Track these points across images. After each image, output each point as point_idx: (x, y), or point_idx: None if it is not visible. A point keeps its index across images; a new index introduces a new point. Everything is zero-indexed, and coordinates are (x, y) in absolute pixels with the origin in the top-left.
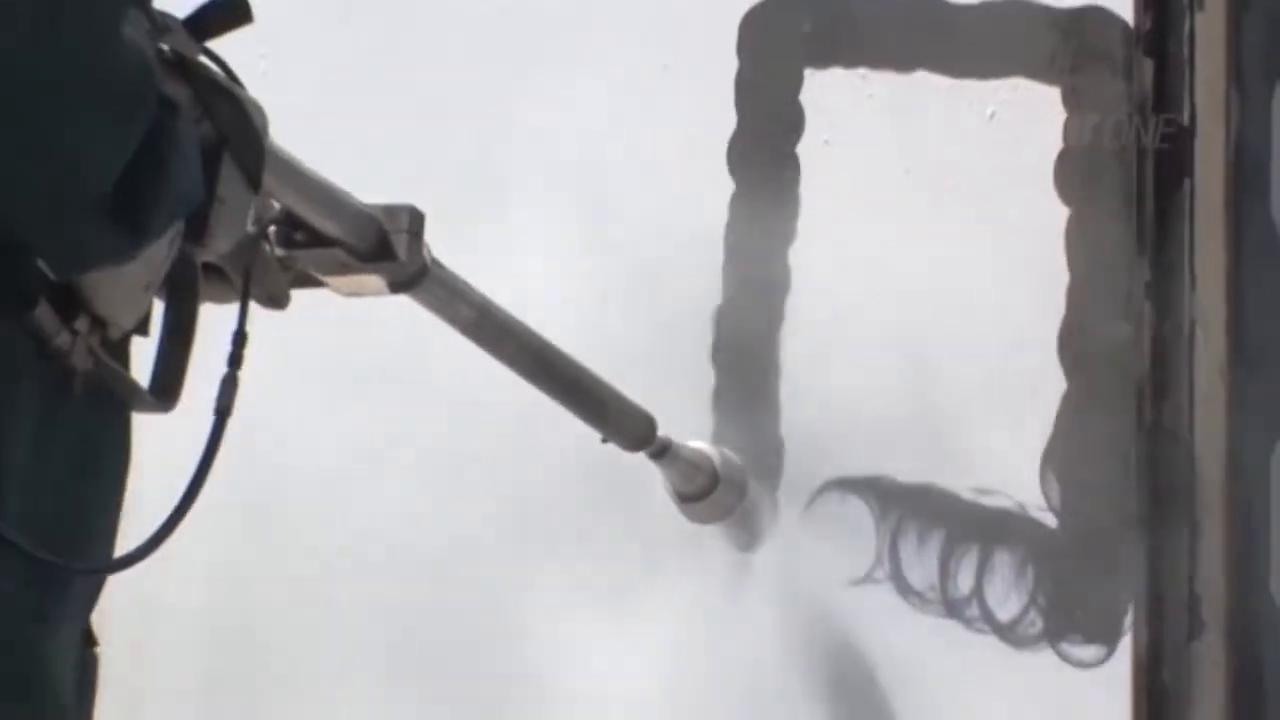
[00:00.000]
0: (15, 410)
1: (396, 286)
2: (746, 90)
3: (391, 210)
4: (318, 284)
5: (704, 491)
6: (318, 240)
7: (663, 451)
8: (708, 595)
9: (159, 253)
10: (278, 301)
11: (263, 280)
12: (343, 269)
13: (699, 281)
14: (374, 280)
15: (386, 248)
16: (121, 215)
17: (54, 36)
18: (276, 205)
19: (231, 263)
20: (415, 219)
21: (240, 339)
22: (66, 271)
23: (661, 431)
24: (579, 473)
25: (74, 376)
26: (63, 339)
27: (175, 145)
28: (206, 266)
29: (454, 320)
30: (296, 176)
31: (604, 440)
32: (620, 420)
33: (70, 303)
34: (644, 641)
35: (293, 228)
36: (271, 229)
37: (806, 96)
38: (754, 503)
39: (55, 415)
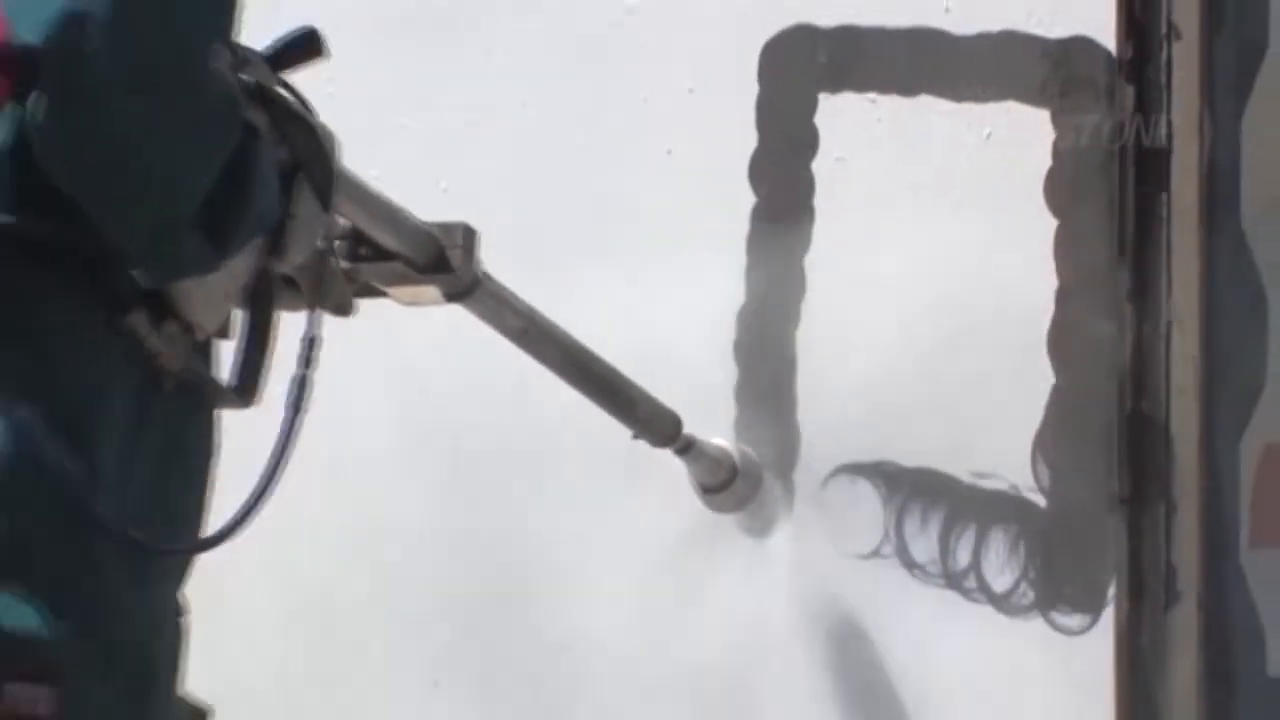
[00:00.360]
0: (111, 407)
1: (451, 297)
2: (766, 112)
3: (447, 227)
4: (380, 294)
5: (724, 484)
6: (380, 254)
7: (687, 447)
8: (730, 571)
9: (240, 264)
10: (344, 310)
11: (331, 290)
12: (402, 280)
13: (722, 284)
14: (431, 291)
15: (443, 261)
16: (207, 230)
17: (152, 71)
18: (344, 222)
19: (303, 274)
20: (468, 235)
21: (311, 343)
22: (158, 281)
23: (687, 426)
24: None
25: (164, 376)
26: (154, 342)
27: (256, 168)
28: (281, 277)
29: (502, 328)
30: (362, 196)
31: (634, 436)
32: (649, 418)
33: (161, 309)
34: (673, 609)
35: (358, 243)
36: (339, 244)
37: (821, 118)
38: (768, 494)
39: (147, 411)
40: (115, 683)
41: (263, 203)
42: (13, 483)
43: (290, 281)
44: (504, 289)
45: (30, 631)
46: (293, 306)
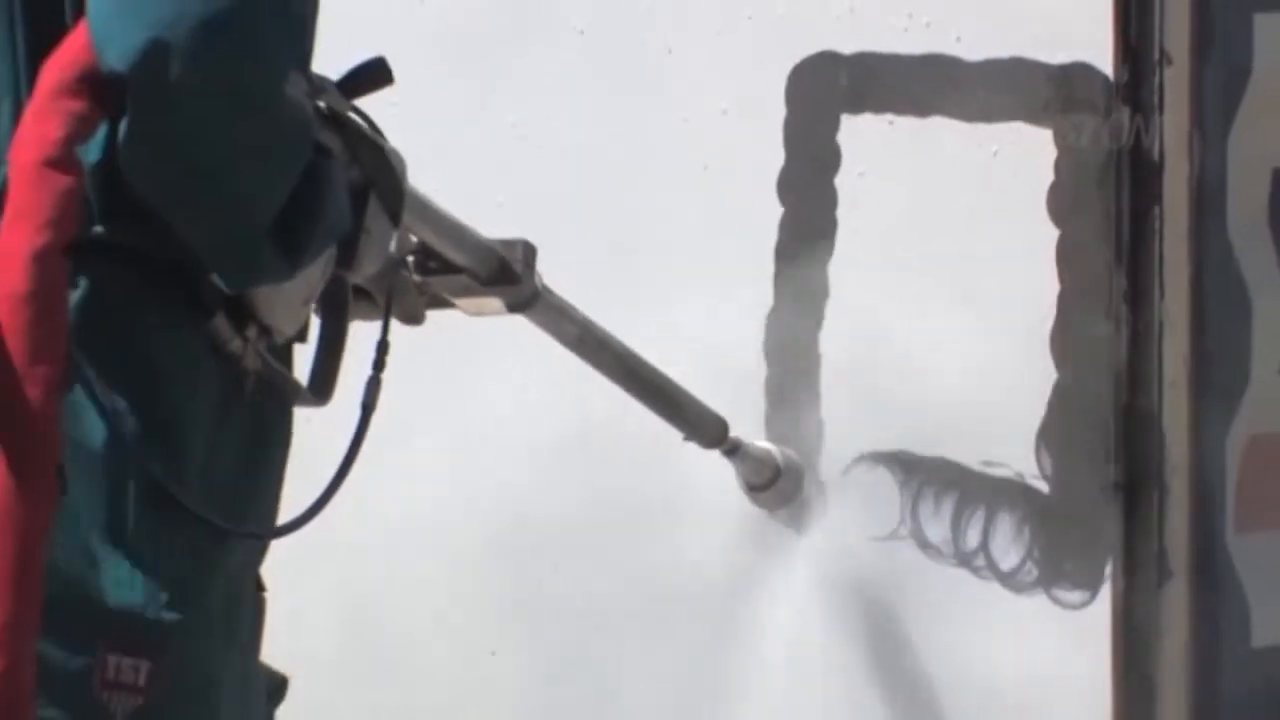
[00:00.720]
0: (197, 403)
1: (513, 307)
2: (793, 131)
3: (509, 243)
4: (448, 305)
5: (769, 483)
6: (447, 268)
7: (734, 449)
8: (765, 551)
9: (315, 274)
10: (415, 319)
11: (402, 301)
12: (468, 292)
13: (753, 288)
14: (494, 302)
15: (505, 274)
16: (282, 242)
17: (229, 97)
18: (414, 238)
19: (376, 285)
20: (529, 250)
21: (383, 348)
22: (237, 287)
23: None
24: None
25: (245, 375)
26: (236, 344)
27: (328, 186)
28: (355, 289)
29: (560, 336)
30: (430, 214)
31: (685, 439)
32: (698, 422)
33: (242, 314)
34: (714, 583)
35: (427, 257)
36: (409, 258)
37: (842, 137)
38: (808, 492)
39: (229, 408)
40: (204, 653)
41: (333, 218)
42: (109, 470)
43: (365, 292)
44: (562, 300)
45: (126, 606)
46: (367, 316)
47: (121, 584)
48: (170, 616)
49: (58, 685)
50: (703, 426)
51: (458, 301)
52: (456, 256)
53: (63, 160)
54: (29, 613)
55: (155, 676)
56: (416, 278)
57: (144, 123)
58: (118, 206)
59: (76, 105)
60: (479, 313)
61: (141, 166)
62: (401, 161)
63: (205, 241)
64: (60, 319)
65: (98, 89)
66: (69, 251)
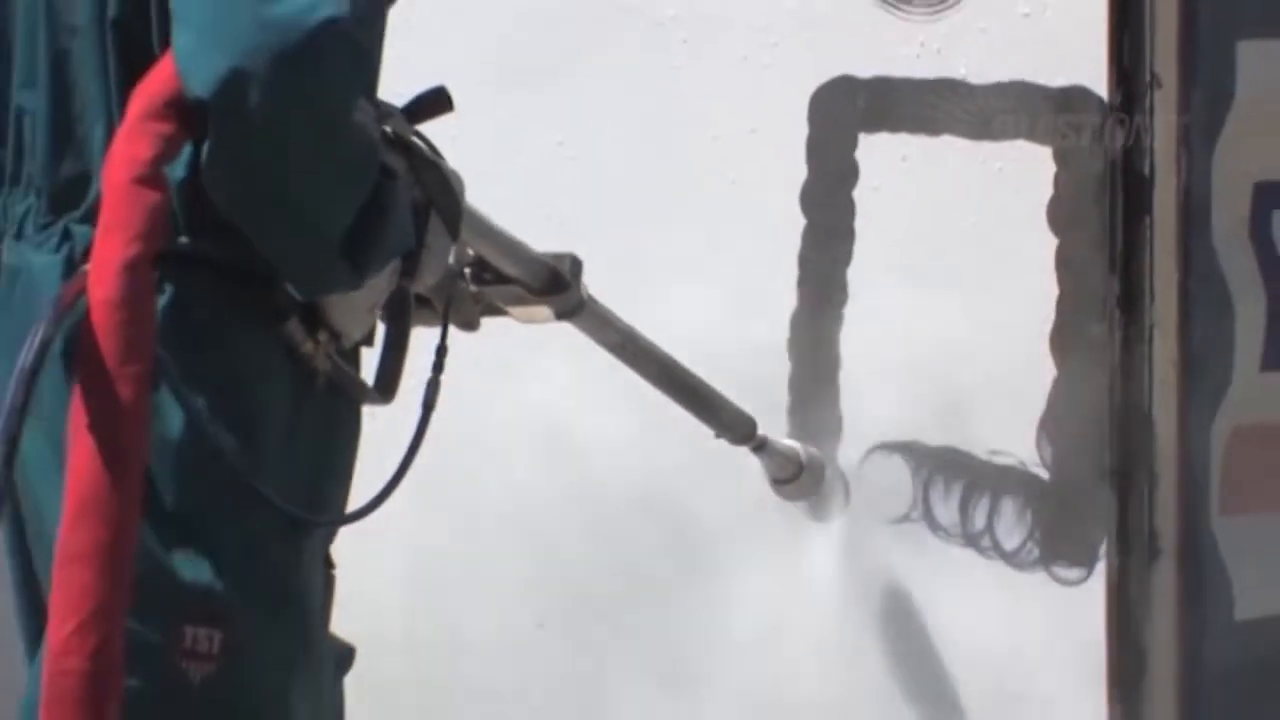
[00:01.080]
0: (272, 401)
1: (562, 315)
2: (815, 149)
3: (557, 256)
4: (502, 313)
5: (793, 477)
6: (501, 279)
7: (762, 445)
8: (796, 541)
9: (380, 284)
10: (471, 326)
11: (459, 309)
12: (520, 301)
13: (778, 293)
14: (544, 310)
15: (554, 284)
16: (349, 254)
17: (302, 123)
18: (471, 251)
19: (436, 295)
20: (575, 263)
21: (442, 352)
22: (308, 295)
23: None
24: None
25: (316, 376)
26: (308, 347)
27: (392, 204)
28: (416, 297)
29: (604, 342)
30: (485, 229)
31: (716, 436)
32: (729, 421)
33: (314, 319)
34: (745, 561)
35: (482, 269)
36: (466, 270)
37: (860, 154)
38: (830, 486)
39: (302, 405)
40: (274, 625)
41: (397, 235)
42: (187, 461)
43: (425, 301)
44: (605, 309)
45: (203, 584)
46: (427, 322)
47: (198, 564)
48: (241, 593)
49: (140, 656)
50: (733, 425)
51: (511, 310)
52: (509, 268)
53: (151, 178)
54: (120, 594)
55: (228, 646)
56: (473, 288)
57: (224, 145)
58: (201, 220)
59: (164, 128)
60: (530, 320)
61: (222, 185)
62: (460, 181)
63: (279, 254)
64: (148, 323)
65: (183, 113)
66: (157, 261)
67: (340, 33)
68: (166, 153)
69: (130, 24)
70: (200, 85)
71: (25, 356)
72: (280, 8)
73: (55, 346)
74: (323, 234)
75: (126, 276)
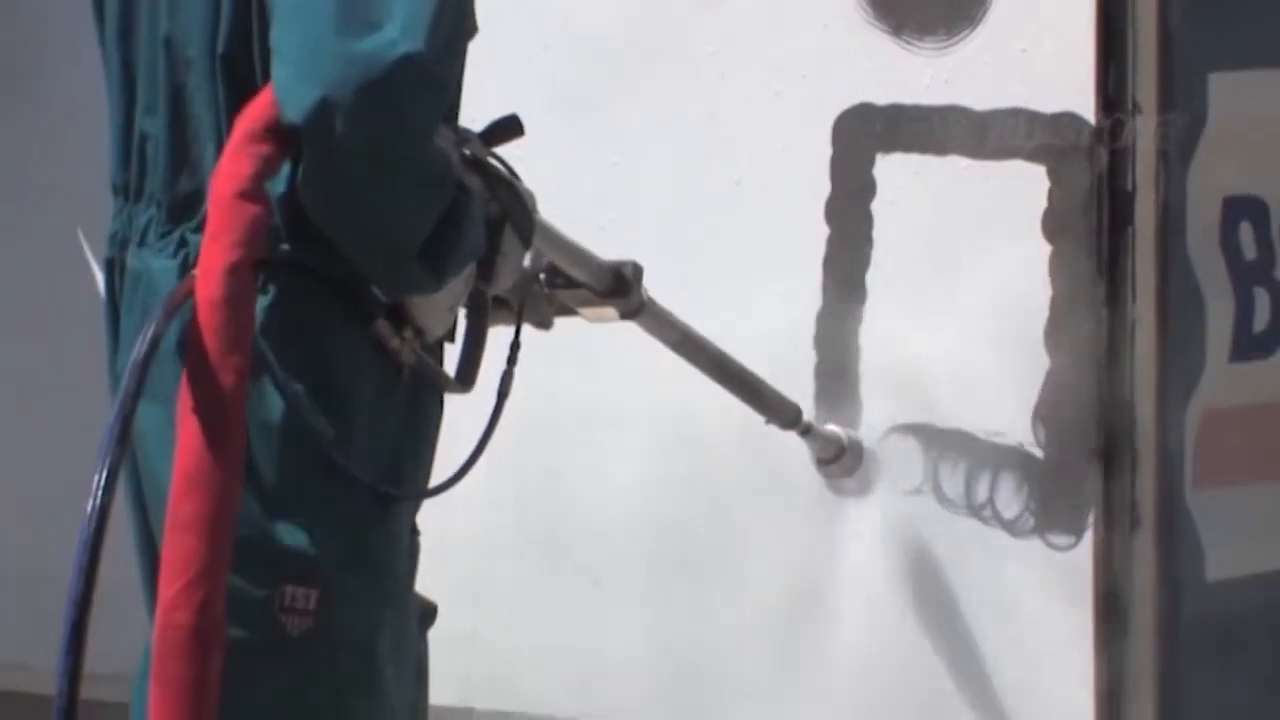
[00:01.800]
0: (363, 391)
1: (625, 315)
2: (838, 166)
3: (621, 263)
4: (573, 313)
5: (835, 457)
6: (570, 283)
7: (807, 430)
8: (822, 506)
9: (458, 287)
10: (545, 325)
11: (535, 309)
12: (588, 303)
13: (806, 294)
14: (610, 311)
15: (619, 287)
16: (428, 261)
17: (384, 147)
18: (544, 259)
19: (514, 296)
20: (637, 269)
21: (515, 347)
22: (391, 297)
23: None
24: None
25: (402, 368)
26: (394, 342)
27: (467, 218)
28: (495, 299)
29: (664, 339)
30: (556, 239)
31: (766, 422)
32: (776, 408)
33: (399, 318)
34: (779, 525)
35: (554, 274)
36: (541, 275)
37: (878, 171)
38: (868, 467)
39: (389, 394)
40: (361, 585)
41: (470, 244)
42: (287, 441)
43: (504, 302)
44: (664, 309)
45: (301, 549)
46: (506, 322)
47: (297, 531)
48: (335, 556)
49: (246, 610)
50: (781, 412)
51: (581, 311)
52: (578, 273)
53: (252, 193)
54: (221, 557)
55: (322, 603)
56: (547, 291)
57: (315, 166)
58: (300, 230)
59: (263, 149)
60: (598, 319)
61: (314, 200)
62: (532, 197)
63: (365, 260)
64: (248, 320)
65: (280, 136)
66: (259, 266)
67: (417, 67)
68: (265, 171)
69: (237, 58)
70: (294, 112)
71: (139, 349)
72: (364, 44)
73: (171, 339)
74: (402, 243)
75: (229, 279)
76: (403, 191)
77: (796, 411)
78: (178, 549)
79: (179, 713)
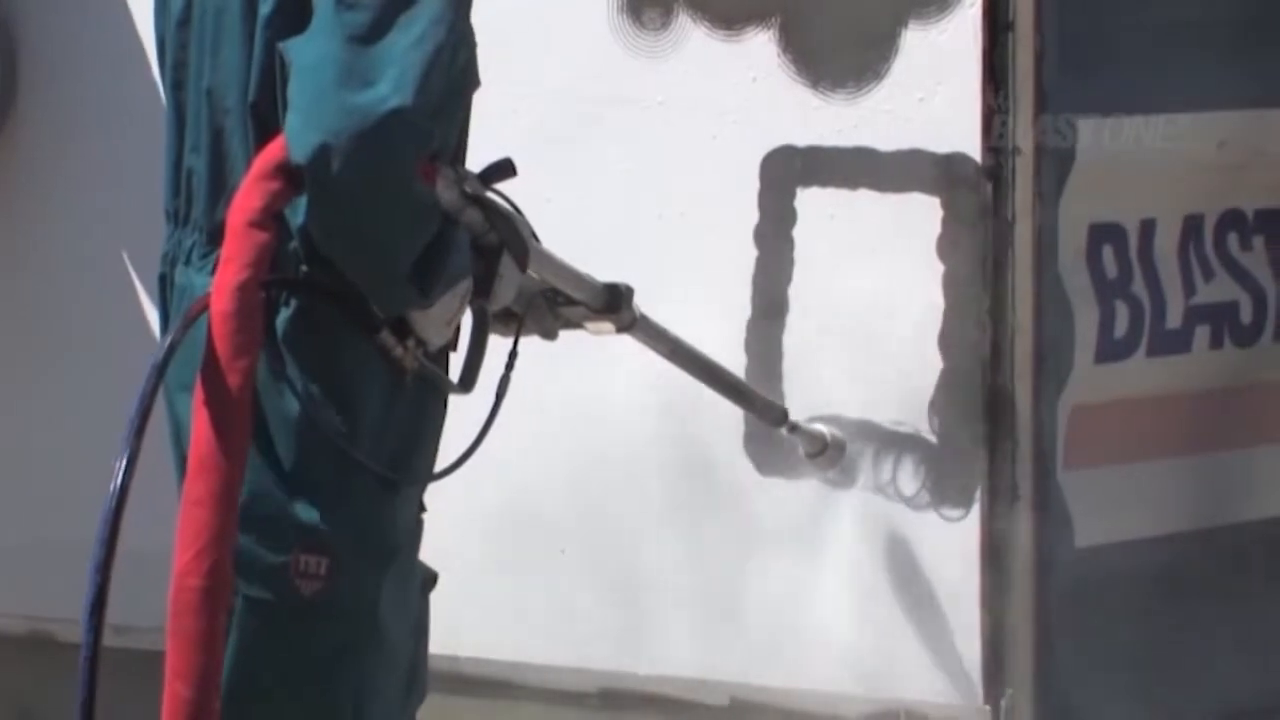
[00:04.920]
0: (371, 391)
1: (621, 329)
2: (764, 199)
3: (613, 285)
4: (577, 326)
5: (820, 451)
6: (570, 301)
7: (794, 428)
8: (749, 483)
9: (453, 304)
10: (550, 336)
11: (541, 322)
12: (586, 318)
13: (736, 306)
14: (607, 325)
15: (612, 304)
16: (416, 282)
17: (374, 185)
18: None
19: (523, 310)
20: (628, 289)
21: (513, 355)
22: (387, 313)
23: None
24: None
25: (405, 372)
26: (398, 351)
27: (452, 244)
28: (508, 313)
29: (658, 350)
30: (554, 264)
31: (757, 420)
32: (764, 409)
33: (403, 329)
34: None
35: (556, 293)
36: (548, 292)
37: (798, 203)
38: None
39: (394, 395)
40: (366, 555)
41: (454, 267)
42: (304, 433)
43: (513, 315)
44: (656, 323)
45: (314, 523)
46: (508, 333)
47: (311, 508)
48: (343, 530)
49: (264, 574)
50: (769, 413)
51: (584, 325)
52: (574, 293)
53: (261, 222)
54: (229, 526)
55: (332, 570)
56: (552, 308)
57: (316, 200)
58: (316, 254)
59: (272, 185)
60: (599, 333)
61: (316, 228)
62: (528, 226)
63: (360, 280)
64: (255, 330)
65: (289, 174)
66: (273, 284)
67: (403, 119)
68: (273, 204)
69: (264, 107)
70: (299, 154)
71: (157, 353)
72: (361, 98)
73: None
74: (391, 265)
75: (238, 295)
76: (390, 222)
77: (783, 412)
78: (190, 522)
79: (190, 660)
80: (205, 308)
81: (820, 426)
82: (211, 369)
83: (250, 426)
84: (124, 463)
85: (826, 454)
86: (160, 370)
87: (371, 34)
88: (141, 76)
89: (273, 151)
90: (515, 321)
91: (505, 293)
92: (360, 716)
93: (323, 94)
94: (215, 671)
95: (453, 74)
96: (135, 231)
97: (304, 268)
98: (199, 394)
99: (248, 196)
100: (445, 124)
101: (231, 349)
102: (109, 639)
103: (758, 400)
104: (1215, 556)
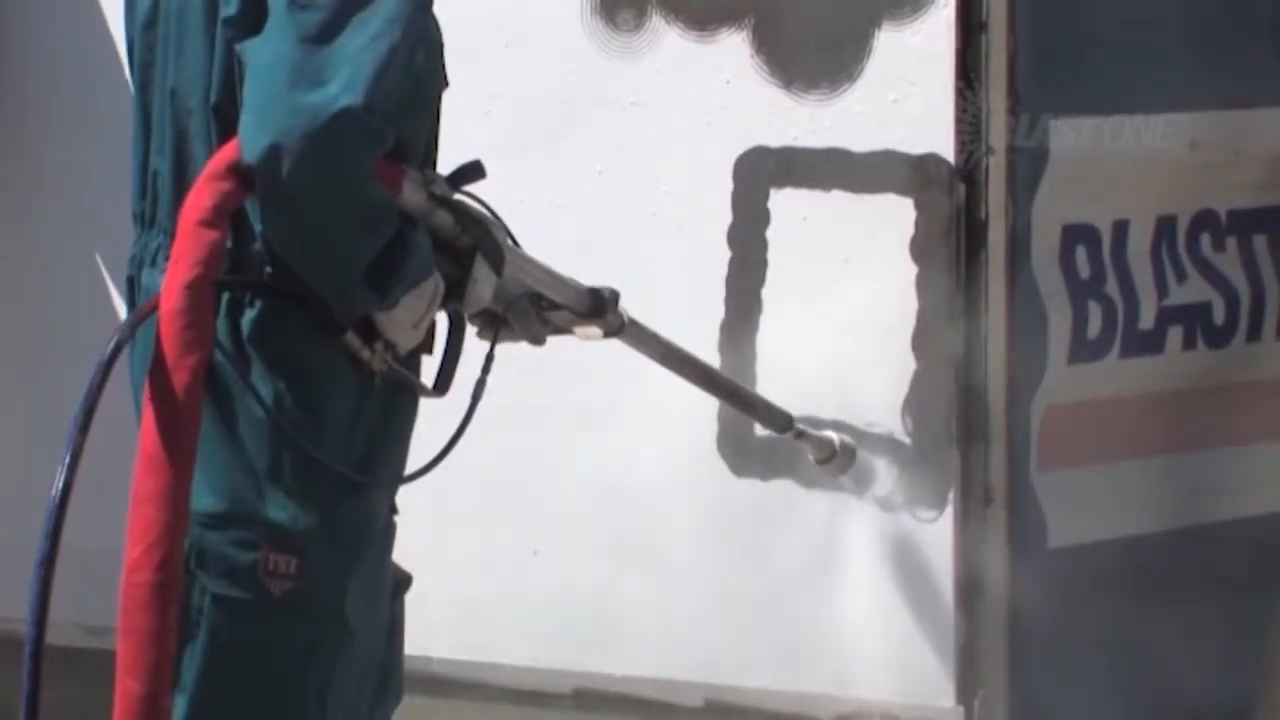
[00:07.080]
0: (337, 394)
1: (609, 334)
2: (738, 200)
3: (597, 289)
4: (566, 332)
5: (829, 457)
6: (554, 305)
7: (800, 434)
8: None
9: (419, 306)
10: (537, 341)
11: (528, 327)
12: (572, 323)
13: (711, 308)
14: (595, 330)
15: (596, 309)
16: (374, 284)
17: (325, 186)
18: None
19: (509, 313)
20: (613, 293)
21: (489, 359)
22: (344, 316)
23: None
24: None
25: (372, 375)
26: (365, 354)
27: (412, 244)
28: (492, 315)
29: (650, 355)
30: (533, 267)
31: (763, 427)
32: (769, 416)
33: (370, 332)
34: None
35: (540, 297)
36: (533, 296)
37: (771, 204)
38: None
39: (362, 398)
40: (334, 555)
41: (414, 270)
42: (270, 433)
43: (500, 318)
44: (646, 328)
45: (284, 523)
46: (501, 338)
47: (279, 507)
48: (312, 530)
49: (235, 572)
50: (771, 418)
51: (573, 330)
52: (556, 296)
53: (211, 221)
54: (179, 522)
55: (302, 569)
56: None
57: (267, 202)
58: (277, 255)
59: (224, 185)
60: (587, 338)
61: (270, 229)
62: (501, 229)
63: (315, 281)
64: (204, 328)
65: (240, 175)
66: (231, 285)
67: (354, 118)
68: (224, 204)
69: (225, 108)
70: (250, 155)
71: (102, 352)
72: (310, 98)
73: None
74: (344, 268)
75: (186, 293)
76: (342, 223)
77: (787, 418)
78: (139, 519)
79: (141, 655)
80: (155, 307)
81: (829, 432)
82: (160, 367)
83: (199, 424)
84: (68, 458)
85: (836, 460)
86: (106, 368)
87: (324, 34)
88: (114, 79)
89: (227, 152)
90: (508, 327)
91: (480, 296)
92: (326, 715)
93: (275, 95)
94: (166, 667)
95: (412, 73)
96: (108, 234)
97: (268, 269)
98: (147, 391)
99: (199, 196)
100: (411, 126)
101: (180, 347)
102: (84, 641)
103: (760, 406)
104: (1188, 557)
